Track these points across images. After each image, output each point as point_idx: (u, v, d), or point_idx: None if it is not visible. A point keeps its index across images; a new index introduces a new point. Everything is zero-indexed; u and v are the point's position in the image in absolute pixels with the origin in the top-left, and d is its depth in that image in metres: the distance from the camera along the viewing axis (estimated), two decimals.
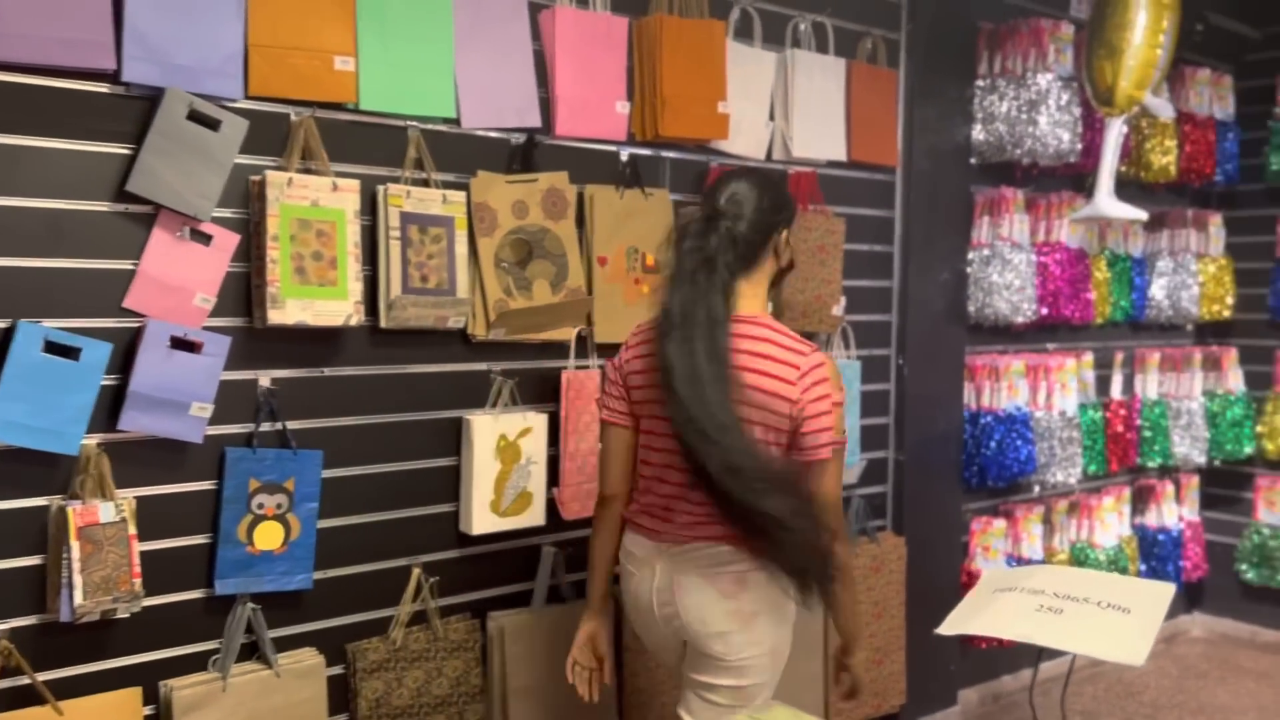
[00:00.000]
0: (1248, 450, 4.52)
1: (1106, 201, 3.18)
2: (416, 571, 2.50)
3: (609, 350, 2.79)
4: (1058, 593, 1.77)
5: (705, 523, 2.01)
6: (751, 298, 2.07)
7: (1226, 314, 4.56)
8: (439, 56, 2.47)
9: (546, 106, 2.69)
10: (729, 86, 2.94)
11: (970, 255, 3.69)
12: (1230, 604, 4.77)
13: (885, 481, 3.58)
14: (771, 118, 3.13)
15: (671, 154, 2.95)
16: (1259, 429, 4.56)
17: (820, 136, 3.21)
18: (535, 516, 2.66)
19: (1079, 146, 3.60)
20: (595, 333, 2.75)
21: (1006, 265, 3.63)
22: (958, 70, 3.63)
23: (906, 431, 3.55)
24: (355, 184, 2.31)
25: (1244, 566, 4.67)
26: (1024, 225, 3.72)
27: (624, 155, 2.82)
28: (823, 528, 1.88)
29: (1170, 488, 4.48)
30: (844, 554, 2.03)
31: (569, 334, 2.71)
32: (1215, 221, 4.53)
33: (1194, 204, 4.56)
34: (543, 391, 2.71)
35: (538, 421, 2.65)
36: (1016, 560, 3.87)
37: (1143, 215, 3.21)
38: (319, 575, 2.37)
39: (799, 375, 1.98)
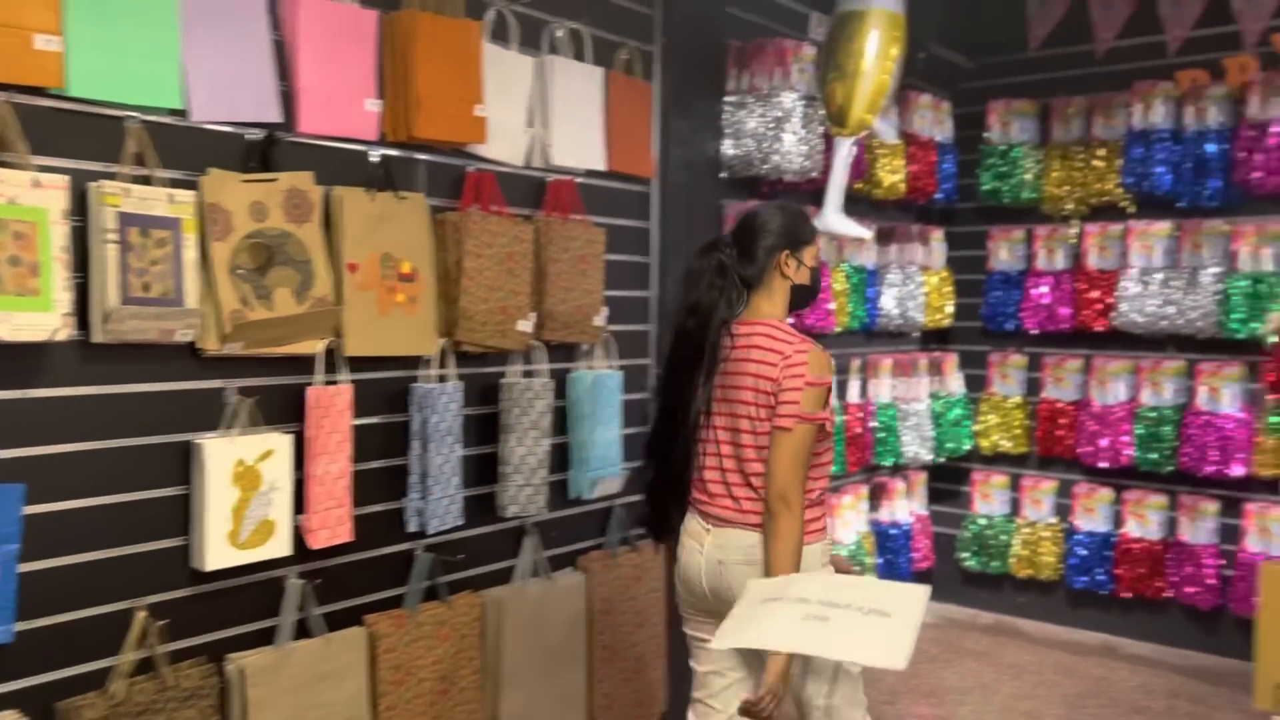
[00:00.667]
0: (966, 447, 4.91)
1: (834, 217, 3.33)
2: (141, 614, 2.23)
3: (362, 365, 2.63)
4: (822, 600, 1.80)
5: (740, 509, 2.38)
6: (767, 307, 2.48)
7: (947, 322, 4.93)
8: (163, 40, 2.22)
9: (288, 100, 2.49)
10: (486, 90, 2.84)
11: None
12: (954, 590, 5.16)
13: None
14: (530, 124, 3.06)
15: (426, 156, 2.81)
16: (975, 428, 4.96)
17: (579, 145, 3.17)
18: (279, 547, 2.44)
19: (821, 164, 3.76)
20: (345, 345, 2.57)
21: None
22: (708, 86, 3.71)
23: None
24: (63, 180, 2.03)
25: (964, 555, 5.06)
26: None
27: (375, 156, 2.66)
28: (767, 505, 2.29)
29: (902, 484, 4.79)
30: (785, 518, 2.27)
31: (315, 347, 2.51)
32: (937, 236, 4.89)
33: (919, 220, 4.90)
34: (286, 410, 2.50)
35: (281, 443, 2.44)
36: None
37: (866, 233, 3.39)
38: (22, 627, 2.06)
39: (781, 360, 2.35)
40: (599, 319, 3.21)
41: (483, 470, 3.00)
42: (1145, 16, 4.53)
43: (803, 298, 2.55)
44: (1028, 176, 4.76)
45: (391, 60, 2.67)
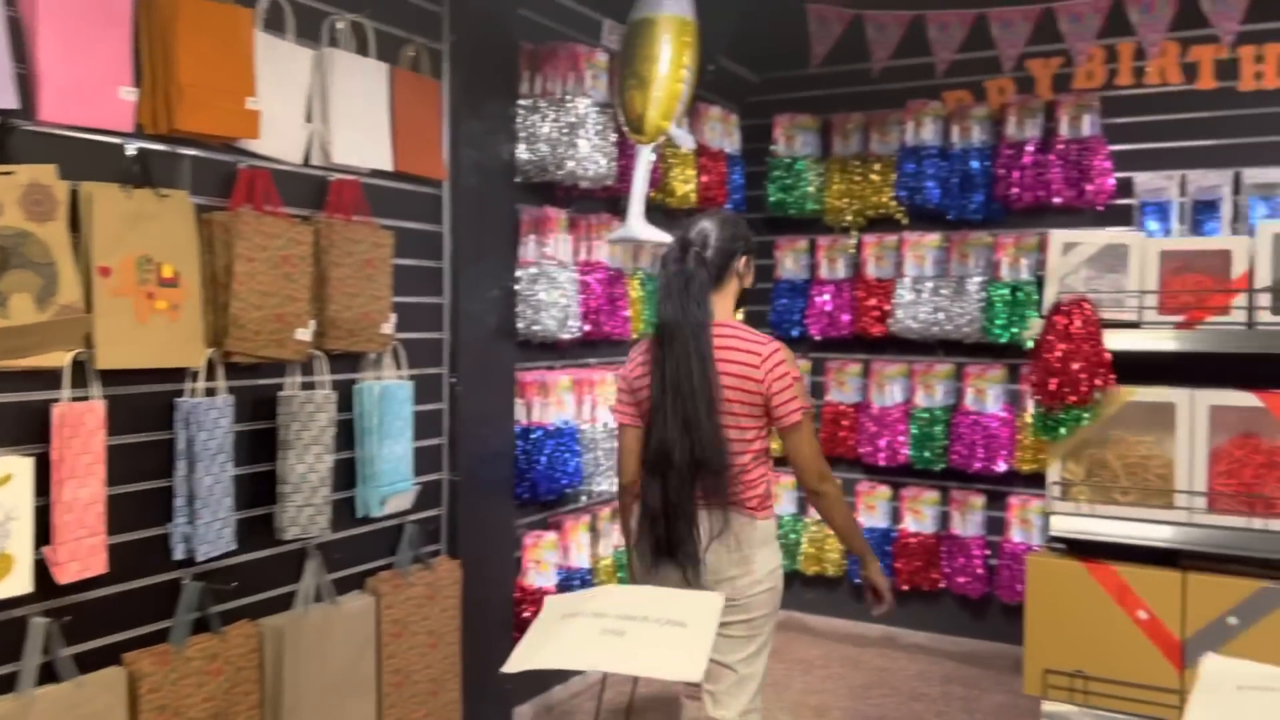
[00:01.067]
0: None
1: (638, 225, 3.33)
2: None
3: (118, 378, 2.39)
4: (619, 613, 1.76)
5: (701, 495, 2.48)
6: (723, 308, 2.58)
7: None
8: None
9: (26, 85, 2.23)
10: (259, 82, 2.65)
11: (518, 273, 3.70)
12: None
13: (440, 504, 3.46)
14: (309, 119, 2.88)
15: (192, 151, 2.59)
16: None
17: (363, 143, 3.02)
18: (18, 583, 2.18)
19: (615, 171, 3.75)
20: (97, 357, 2.32)
21: (553, 283, 3.68)
22: (501, 87, 3.62)
23: (460, 452, 3.46)
24: None
25: None
26: (567, 245, 3.81)
27: (131, 149, 2.42)
28: (810, 490, 2.55)
29: None
30: (832, 491, 2.55)
31: (62, 359, 2.26)
32: None
33: None
34: (28, 430, 2.24)
35: (20, 467, 2.17)
36: (566, 571, 3.94)
37: (669, 238, 3.39)
38: None
39: (761, 360, 2.48)
40: (387, 326, 3.06)
41: (259, 490, 2.79)
42: (916, 39, 4.79)
43: (744, 298, 2.73)
44: (810, 189, 4.93)
45: (150, 45, 2.44)
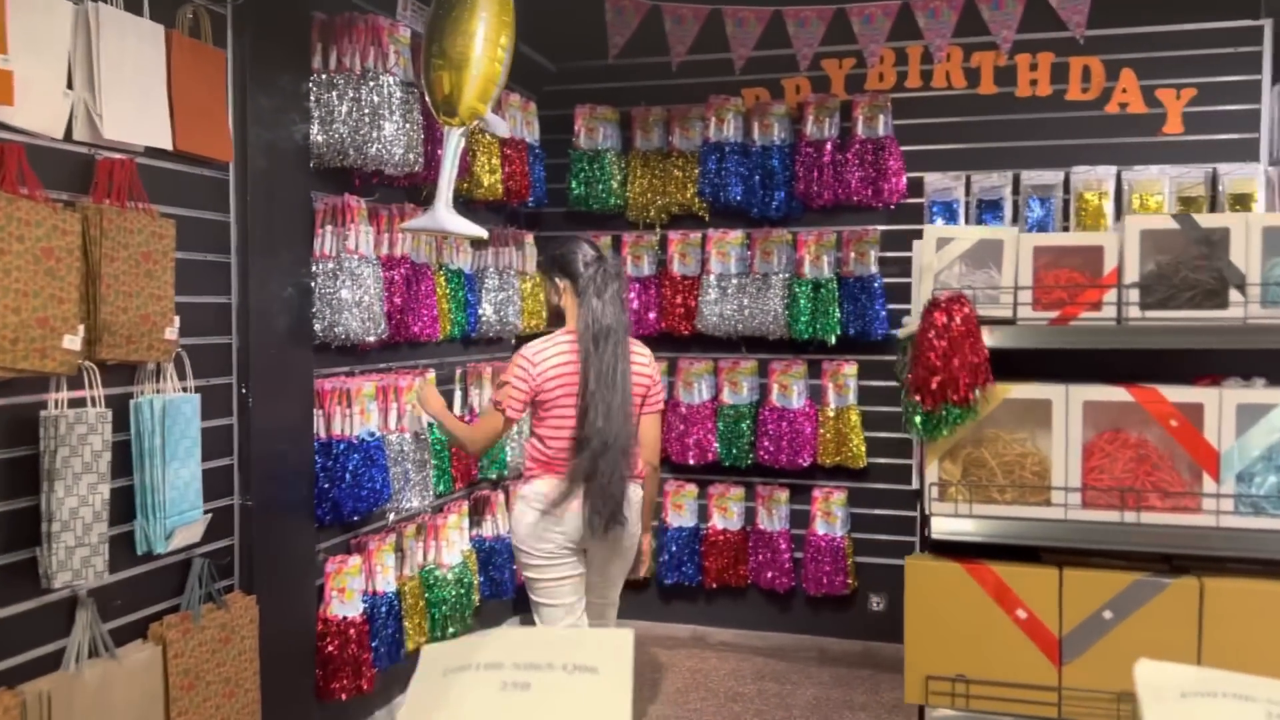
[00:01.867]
0: None
1: (446, 214, 3.04)
2: None
3: None
4: (518, 661, 1.52)
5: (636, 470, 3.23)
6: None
7: (540, 326, 4.83)
8: None
9: None
10: (9, 38, 2.18)
11: (315, 268, 3.32)
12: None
13: (231, 533, 3.03)
14: (69, 86, 2.42)
15: None
16: None
17: (137, 117, 2.57)
18: None
19: (422, 156, 3.44)
20: None
21: (355, 280, 3.33)
22: (291, 60, 3.23)
23: (253, 472, 3.06)
24: None
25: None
26: (369, 237, 3.46)
27: None
28: (646, 463, 3.26)
29: (502, 497, 4.59)
30: (657, 477, 3.40)
31: None
32: (529, 240, 4.76)
33: (509, 223, 4.74)
34: None
35: None
36: (373, 597, 3.60)
37: (483, 232, 3.14)
38: None
39: (649, 360, 3.28)
40: (170, 331, 2.63)
41: (14, 531, 2.31)
42: (713, 33, 4.75)
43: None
44: (614, 183, 4.79)
45: None
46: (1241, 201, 4.16)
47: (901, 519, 4.66)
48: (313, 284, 3.31)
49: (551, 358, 3.13)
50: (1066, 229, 4.39)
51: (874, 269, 4.53)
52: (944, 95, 4.57)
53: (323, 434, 3.39)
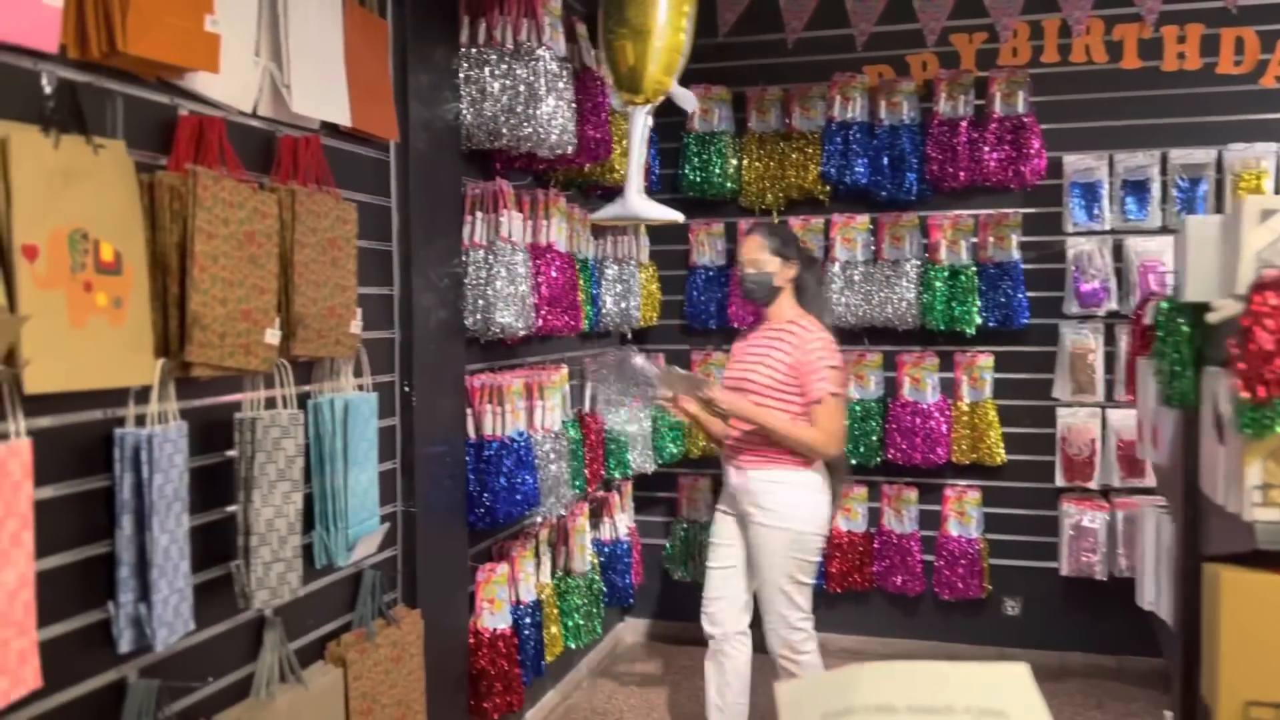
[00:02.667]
0: (678, 452, 4.61)
1: (640, 201, 2.82)
2: None
3: (41, 405, 1.66)
4: (912, 705, 1.29)
5: None
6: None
7: (655, 318, 4.62)
8: None
9: None
10: None
11: (466, 258, 3.10)
12: (663, 603, 4.86)
13: (394, 542, 2.82)
14: (258, 54, 2.19)
15: (124, 87, 1.87)
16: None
17: (321, 90, 2.35)
18: None
19: (575, 138, 3.22)
20: (24, 377, 1.59)
21: (509, 270, 3.11)
22: (445, 32, 3.01)
23: (417, 475, 2.84)
24: None
25: (671, 565, 4.78)
26: (520, 224, 3.24)
27: (49, 79, 1.69)
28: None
29: (617, 498, 4.37)
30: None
31: None
32: (642, 229, 4.54)
33: None
34: None
35: None
36: (517, 607, 3.38)
37: (679, 216, 2.93)
38: None
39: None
40: (355, 324, 2.41)
41: (209, 546, 2.09)
42: (831, 9, 4.52)
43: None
44: (729, 167, 4.56)
45: None
46: None
47: (1038, 519, 4.43)
48: (464, 274, 3.09)
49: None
50: (1219, 211, 4.16)
51: (1015, 254, 4.30)
52: (1084, 70, 4.34)
53: (473, 434, 3.17)
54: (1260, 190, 4.04)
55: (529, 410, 3.35)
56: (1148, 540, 2.73)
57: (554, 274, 3.35)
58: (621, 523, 4.36)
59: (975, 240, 4.35)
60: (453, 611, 3.07)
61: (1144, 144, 4.25)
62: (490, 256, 3.10)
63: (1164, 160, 4.22)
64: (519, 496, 3.18)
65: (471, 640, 3.18)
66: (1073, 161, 4.30)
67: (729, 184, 4.59)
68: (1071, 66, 4.35)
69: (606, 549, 4.24)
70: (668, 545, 4.81)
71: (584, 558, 3.90)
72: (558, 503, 3.44)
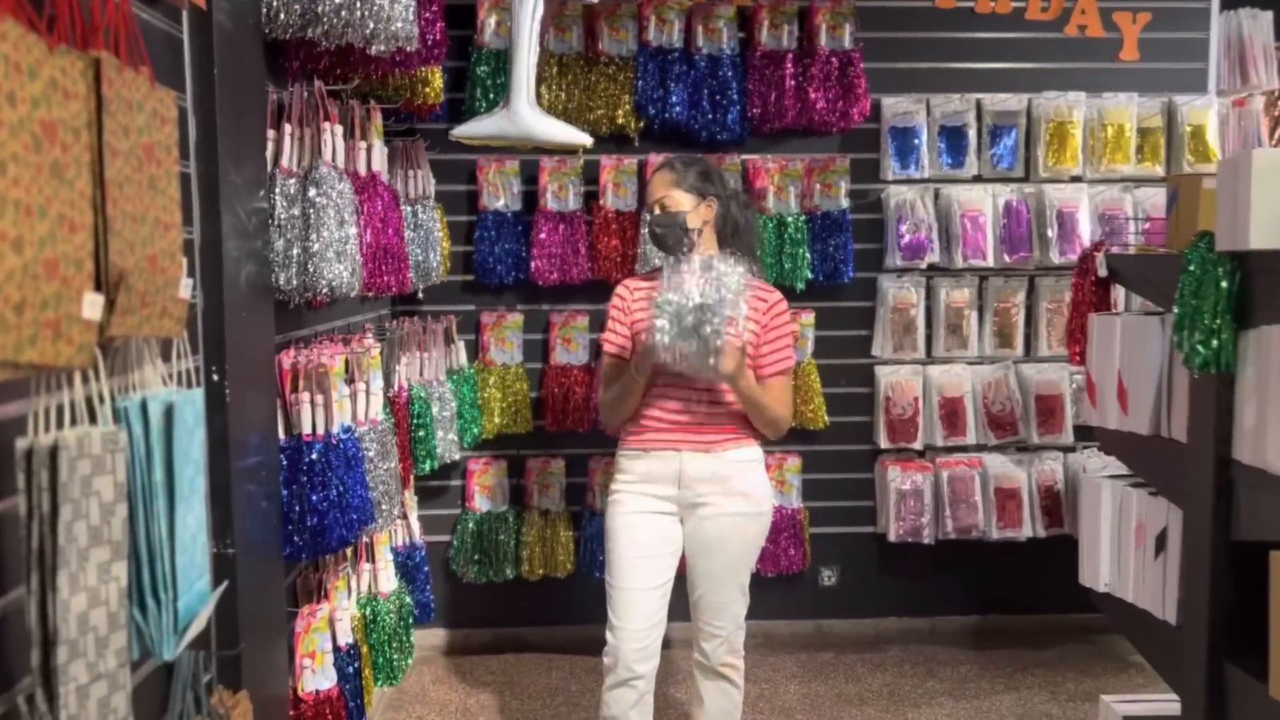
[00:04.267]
0: (476, 434, 3.90)
1: (533, 115, 2.12)
2: None
3: None
4: None
5: None
6: None
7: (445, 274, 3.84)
8: None
9: None
10: None
11: (276, 189, 2.22)
12: (454, 611, 4.14)
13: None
14: None
15: None
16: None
17: None
18: None
19: (416, 29, 2.41)
20: None
21: (335, 208, 2.27)
22: None
23: (235, 501, 1.97)
24: None
25: (460, 566, 4.07)
26: (340, 147, 2.39)
27: None
28: None
29: (407, 494, 3.60)
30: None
31: None
32: (426, 163, 3.73)
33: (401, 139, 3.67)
34: None
35: None
36: (338, 653, 2.57)
37: (586, 139, 2.24)
38: None
39: None
40: (184, 284, 1.53)
41: None
42: None
43: None
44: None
45: None
46: (1197, 135, 4.06)
47: (856, 483, 4.22)
48: (273, 212, 2.21)
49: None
50: (1027, 161, 4.10)
51: (844, 203, 3.99)
52: (901, 7, 4.09)
53: (283, 434, 2.31)
54: (1071, 142, 4.01)
55: (353, 396, 2.53)
56: (1104, 515, 2.48)
57: (381, 215, 2.53)
58: (414, 524, 3.60)
59: (802, 187, 3.99)
60: (272, 676, 2.23)
61: (959, 88, 4.10)
62: (311, 189, 2.24)
63: (979, 107, 4.09)
64: (353, 513, 2.37)
65: (293, 713, 2.35)
66: (891, 105, 4.06)
67: None
68: (889, 2, 4.09)
69: (402, 557, 3.47)
70: (454, 543, 4.08)
71: (389, 574, 3.12)
72: (390, 510, 2.66)
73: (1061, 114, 4.02)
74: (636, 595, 2.56)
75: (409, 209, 3.37)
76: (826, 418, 4.09)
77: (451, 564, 4.08)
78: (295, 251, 2.22)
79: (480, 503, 4.08)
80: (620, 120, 3.92)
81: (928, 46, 4.11)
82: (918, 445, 4.09)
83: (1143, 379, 2.30)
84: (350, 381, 2.53)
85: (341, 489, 2.34)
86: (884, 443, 4.09)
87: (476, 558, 4.05)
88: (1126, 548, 2.43)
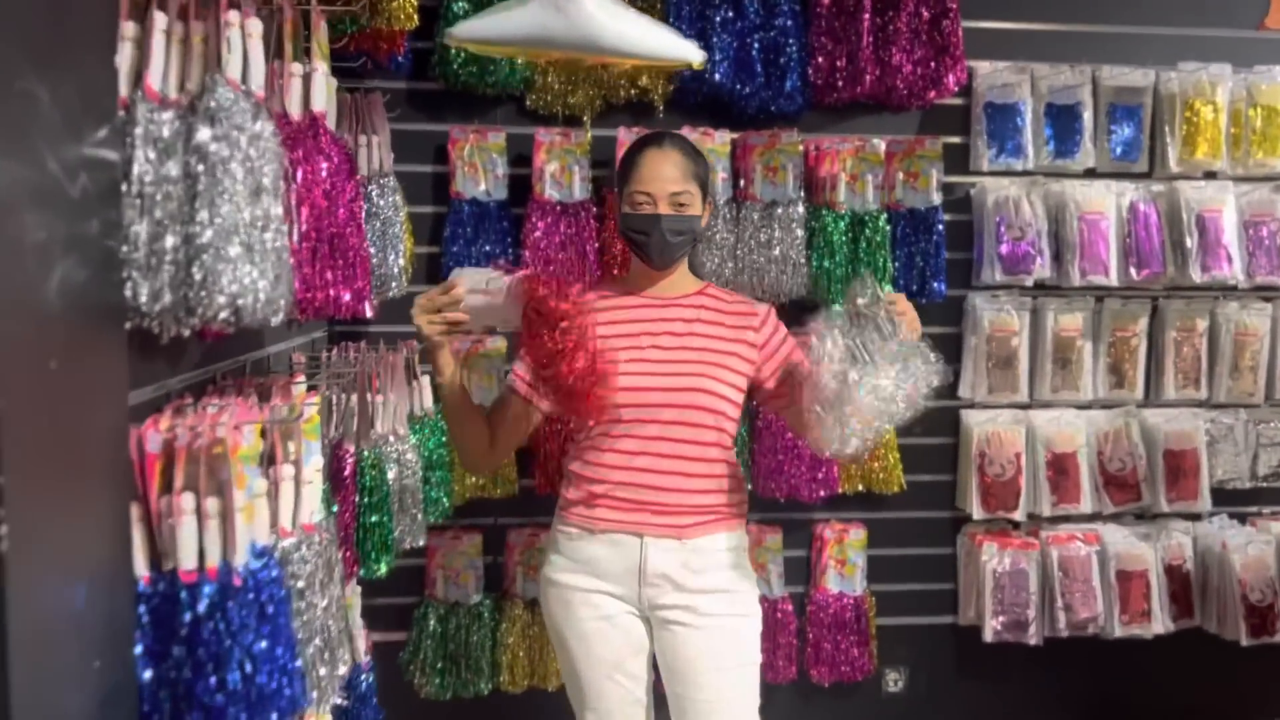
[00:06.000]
0: (446, 506, 2.85)
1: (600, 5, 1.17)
2: None
3: None
4: None
5: None
6: None
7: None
8: None
9: None
10: None
11: (132, 128, 1.19)
12: None
13: None
14: None
15: None
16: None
17: None
18: None
19: None
20: None
21: (253, 161, 1.24)
22: None
23: (15, 685, 0.93)
24: None
25: (418, 676, 3.02)
26: (260, 63, 1.36)
27: None
28: None
29: (353, 589, 2.55)
30: None
31: None
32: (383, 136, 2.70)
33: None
34: None
35: None
36: None
37: (697, 54, 1.35)
38: None
39: None
40: None
41: None
42: None
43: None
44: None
45: None
46: None
47: (932, 560, 3.28)
48: (130, 169, 1.18)
49: None
50: (1153, 151, 3.23)
51: (935, 198, 3.06)
52: None
53: (145, 570, 1.27)
54: (1211, 128, 3.14)
55: (273, 492, 1.49)
56: None
57: (326, 185, 1.50)
58: (358, 634, 2.55)
59: (879, 175, 3.05)
60: None
61: (1069, 56, 3.21)
62: (202, 128, 1.21)
63: (1094, 82, 3.20)
64: (271, 710, 1.34)
65: None
66: (987, 74, 3.14)
67: (514, 76, 2.89)
68: None
69: (342, 687, 2.41)
70: (410, 645, 3.04)
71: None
72: (332, 674, 1.63)
73: (1201, 91, 3.14)
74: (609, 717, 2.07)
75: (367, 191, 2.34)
76: (903, 478, 3.15)
77: (405, 674, 3.04)
78: (171, 241, 1.19)
79: (445, 590, 3.05)
80: (643, 83, 2.94)
81: (1031, 2, 3.22)
82: (1018, 515, 3.17)
83: None
84: (269, 464, 1.50)
85: (249, 665, 1.31)
86: (977, 511, 3.16)
87: (440, 665, 3.01)
88: None
